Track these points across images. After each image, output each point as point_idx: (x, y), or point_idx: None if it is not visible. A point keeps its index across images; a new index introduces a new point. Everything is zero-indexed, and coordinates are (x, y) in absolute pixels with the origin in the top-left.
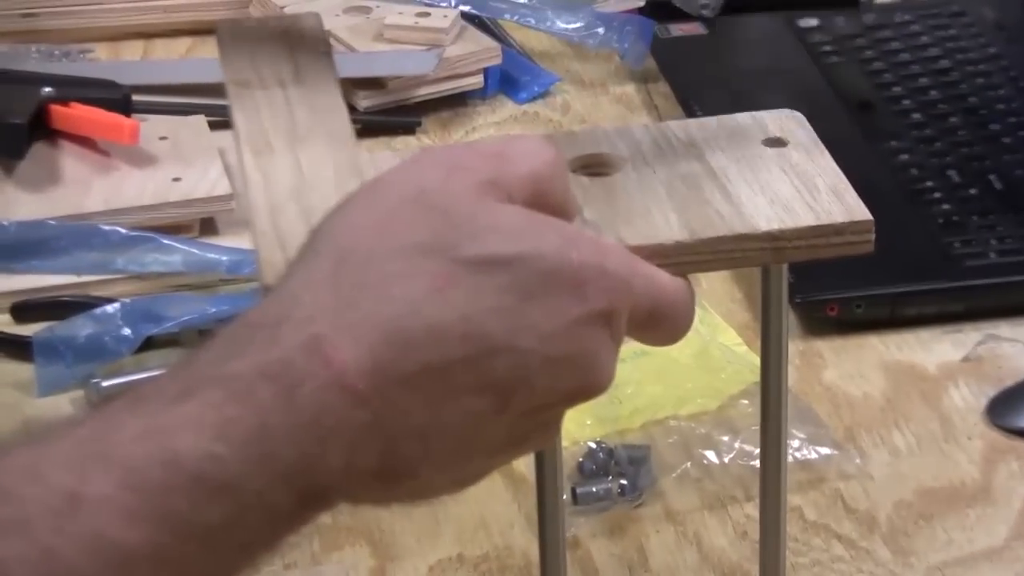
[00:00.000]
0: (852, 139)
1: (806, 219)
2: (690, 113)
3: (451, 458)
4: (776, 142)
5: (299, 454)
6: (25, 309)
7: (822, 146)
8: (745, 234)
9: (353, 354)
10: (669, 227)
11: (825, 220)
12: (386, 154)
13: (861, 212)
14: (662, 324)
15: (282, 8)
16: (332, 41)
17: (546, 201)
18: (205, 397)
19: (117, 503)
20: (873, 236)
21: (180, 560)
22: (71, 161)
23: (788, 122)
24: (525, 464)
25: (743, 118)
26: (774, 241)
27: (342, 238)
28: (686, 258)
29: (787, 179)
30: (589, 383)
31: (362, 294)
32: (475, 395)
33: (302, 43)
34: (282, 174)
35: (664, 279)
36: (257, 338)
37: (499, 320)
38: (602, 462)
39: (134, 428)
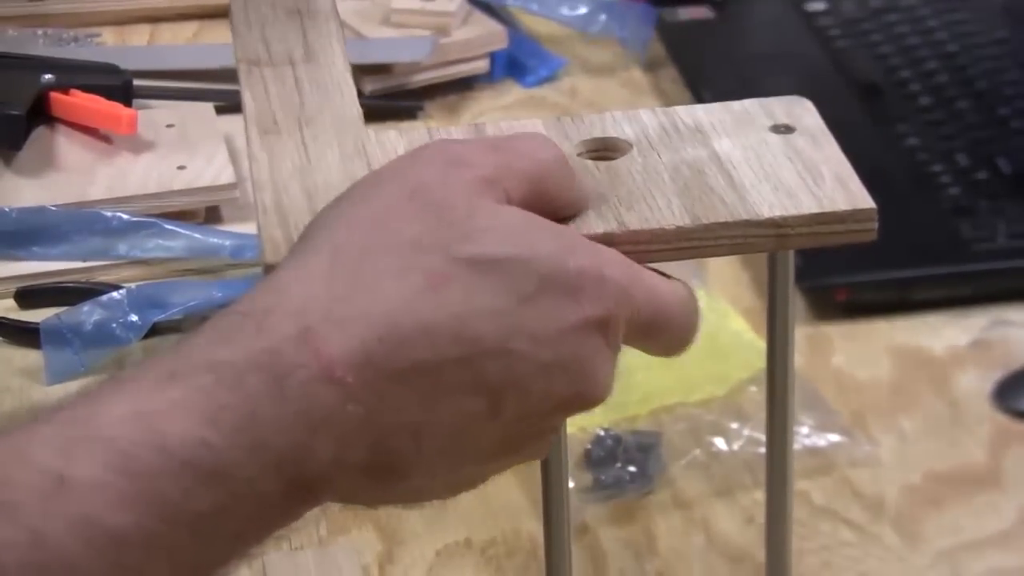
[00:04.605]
0: (860, 123)
1: (809, 206)
2: (698, 97)
3: (443, 459)
4: (783, 129)
5: (289, 444)
6: (29, 295)
7: (829, 134)
8: (748, 220)
9: (342, 348)
10: (671, 212)
11: (828, 208)
12: (391, 133)
13: (864, 200)
14: (662, 334)
15: None
16: None
17: (546, 201)
18: (194, 382)
19: (106, 486)
20: (876, 224)
21: (171, 546)
22: (74, 148)
23: (796, 109)
24: None
25: (751, 104)
26: (777, 228)
27: (338, 232)
28: (687, 243)
29: (792, 166)
30: (583, 391)
31: (355, 289)
32: (468, 395)
33: (314, 22)
34: (287, 153)
35: (664, 289)
36: (247, 327)
37: (492, 322)
38: (610, 449)
39: (121, 410)
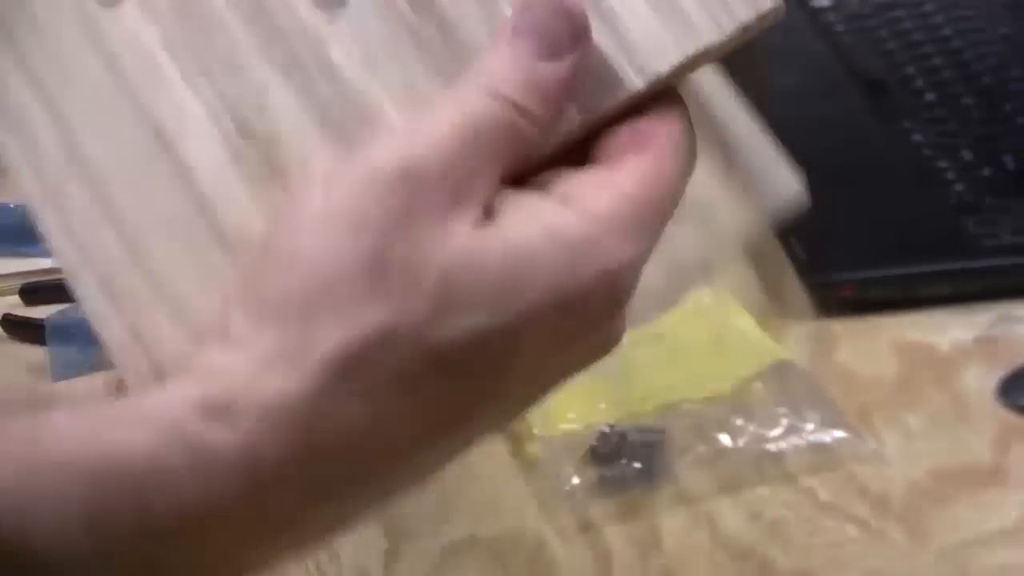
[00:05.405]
0: (865, 119)
1: (709, 35)
2: None
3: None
4: None
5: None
6: (34, 291)
7: None
8: (650, 84)
9: (297, 387)
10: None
11: (730, 29)
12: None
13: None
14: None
15: None
16: None
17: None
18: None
19: None
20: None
21: None
22: None
23: None
24: (538, 447)
25: None
26: (681, 74)
27: (292, 241)
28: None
29: None
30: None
31: (319, 314)
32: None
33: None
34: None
35: (672, 186)
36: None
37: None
38: (615, 445)
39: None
